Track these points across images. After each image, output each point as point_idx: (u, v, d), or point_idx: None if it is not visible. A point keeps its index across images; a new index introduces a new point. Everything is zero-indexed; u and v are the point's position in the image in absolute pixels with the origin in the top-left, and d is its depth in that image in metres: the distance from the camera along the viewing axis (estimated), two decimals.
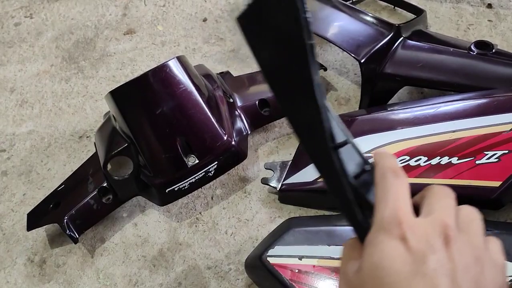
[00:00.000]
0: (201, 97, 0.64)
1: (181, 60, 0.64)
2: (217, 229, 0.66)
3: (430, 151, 0.57)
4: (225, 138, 0.64)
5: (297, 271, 0.51)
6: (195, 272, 0.63)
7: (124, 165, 0.71)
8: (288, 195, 0.65)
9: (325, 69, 0.75)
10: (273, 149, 0.73)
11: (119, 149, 0.63)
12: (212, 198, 0.69)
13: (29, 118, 0.84)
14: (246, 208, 0.67)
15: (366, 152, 0.60)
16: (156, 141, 0.62)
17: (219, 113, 0.66)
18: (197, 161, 0.63)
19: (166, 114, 0.61)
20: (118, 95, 0.62)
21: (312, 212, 0.65)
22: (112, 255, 0.67)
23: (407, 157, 0.57)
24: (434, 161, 0.56)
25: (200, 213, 0.68)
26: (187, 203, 0.69)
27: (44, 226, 0.69)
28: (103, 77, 0.88)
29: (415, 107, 0.63)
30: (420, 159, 0.56)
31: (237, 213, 0.67)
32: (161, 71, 0.61)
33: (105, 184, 0.66)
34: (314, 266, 0.51)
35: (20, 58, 0.94)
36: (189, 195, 0.69)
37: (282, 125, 0.75)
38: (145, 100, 0.61)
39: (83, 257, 0.67)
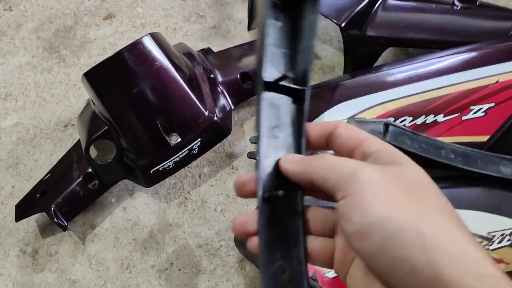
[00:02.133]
0: (179, 73, 0.62)
1: (155, 36, 0.62)
2: (206, 207, 0.65)
3: (415, 110, 0.55)
4: (206, 114, 0.63)
5: None
6: (186, 251, 0.62)
7: (108, 149, 0.70)
8: None
9: None
10: None
11: (99, 133, 0.62)
12: (199, 177, 0.68)
13: (14, 111, 0.83)
14: None
15: (350, 117, 0.58)
16: (135, 122, 0.61)
17: (199, 90, 0.64)
18: (179, 140, 0.62)
19: (143, 93, 0.60)
20: (93, 76, 0.60)
21: None
22: (103, 240, 0.66)
23: (392, 119, 0.56)
24: (419, 121, 0.54)
25: (189, 192, 0.67)
26: (175, 183, 0.68)
27: (35, 217, 0.69)
28: (85, 64, 0.87)
29: (398, 67, 0.61)
30: (405, 119, 0.55)
31: (226, 190, 0.66)
32: (135, 48, 0.59)
33: (89, 170, 0.65)
34: None
35: (1, 52, 0.92)
36: (176, 175, 0.68)
37: None
38: (120, 79, 0.60)
39: (75, 244, 0.66)
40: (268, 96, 0.30)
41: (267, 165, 0.29)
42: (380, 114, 0.57)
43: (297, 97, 0.31)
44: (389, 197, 0.25)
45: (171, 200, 0.67)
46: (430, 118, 0.54)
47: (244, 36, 0.83)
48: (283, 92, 0.31)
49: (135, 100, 0.60)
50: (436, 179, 0.27)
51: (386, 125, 0.50)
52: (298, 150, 0.31)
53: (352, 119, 0.55)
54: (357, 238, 0.25)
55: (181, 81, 0.62)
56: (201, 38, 0.85)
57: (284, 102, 0.31)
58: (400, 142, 0.50)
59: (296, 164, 0.29)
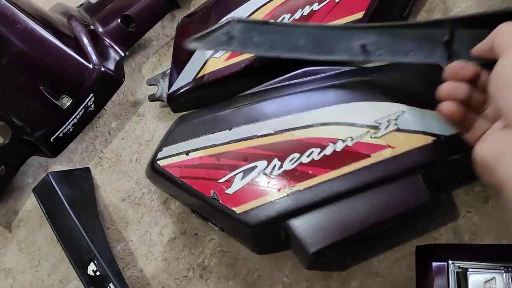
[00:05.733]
0: (49, 32, 0.58)
1: None
2: (122, 160, 0.64)
3: (291, 6, 0.53)
4: (91, 67, 0.59)
5: (184, 167, 0.49)
6: (111, 209, 0.61)
7: (6, 132, 0.66)
8: (179, 102, 0.61)
9: None
10: (155, 63, 0.68)
11: None
12: (109, 133, 0.66)
13: None
14: (144, 130, 0.64)
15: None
16: (17, 94, 0.58)
17: (78, 45, 0.61)
18: (71, 100, 0.59)
19: (15, 61, 0.56)
20: None
21: None
22: (28, 223, 0.64)
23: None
24: (297, 15, 0.53)
25: (102, 151, 0.65)
26: (86, 146, 0.66)
27: None
28: None
29: None
30: (284, 17, 0.53)
31: (137, 139, 0.64)
32: None
33: None
34: (200, 157, 0.49)
35: None
36: (86, 138, 0.65)
37: (158, 37, 0.70)
38: None
39: (2, 235, 0.64)
40: None
41: None
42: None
43: None
44: None
45: (86, 163, 0.65)
46: (306, 10, 0.52)
47: None
48: None
49: (9, 71, 0.56)
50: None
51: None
52: None
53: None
54: None
55: (53, 40, 0.58)
56: None
57: None
58: (248, 45, 0.46)
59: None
